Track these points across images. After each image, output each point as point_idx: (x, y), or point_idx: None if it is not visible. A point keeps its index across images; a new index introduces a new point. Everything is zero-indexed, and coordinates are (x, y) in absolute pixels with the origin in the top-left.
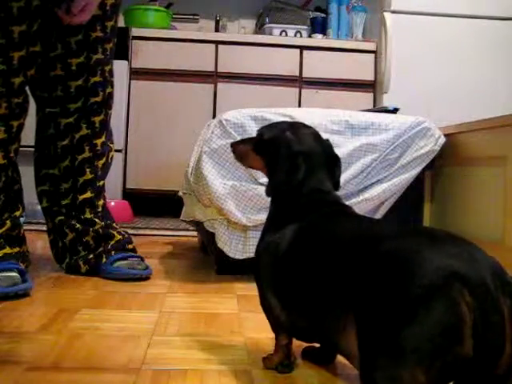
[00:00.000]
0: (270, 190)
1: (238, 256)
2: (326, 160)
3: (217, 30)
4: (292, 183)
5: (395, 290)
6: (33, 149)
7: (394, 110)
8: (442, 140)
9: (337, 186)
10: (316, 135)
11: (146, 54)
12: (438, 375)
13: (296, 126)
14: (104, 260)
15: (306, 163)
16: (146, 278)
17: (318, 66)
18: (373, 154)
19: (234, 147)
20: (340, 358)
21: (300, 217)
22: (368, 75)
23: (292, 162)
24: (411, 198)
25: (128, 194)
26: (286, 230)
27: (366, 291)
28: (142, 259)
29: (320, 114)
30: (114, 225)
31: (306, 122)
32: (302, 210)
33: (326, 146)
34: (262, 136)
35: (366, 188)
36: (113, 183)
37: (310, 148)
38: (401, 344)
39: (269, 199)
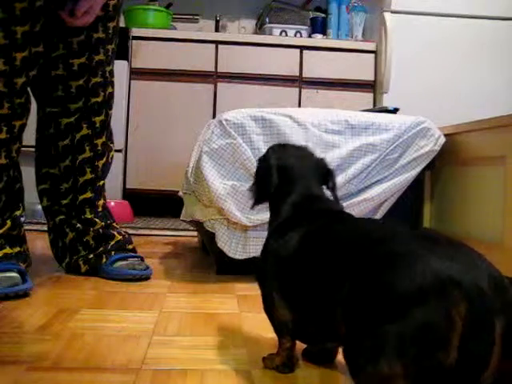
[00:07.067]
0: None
1: (238, 256)
2: (316, 172)
3: (217, 29)
4: (264, 193)
5: (388, 287)
6: (33, 149)
7: (394, 110)
8: (442, 140)
9: (334, 191)
10: (303, 152)
11: (145, 54)
12: (418, 376)
13: (283, 146)
14: (104, 260)
15: (283, 174)
16: (146, 278)
17: (318, 66)
18: (373, 154)
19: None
20: (340, 358)
21: (304, 222)
22: (368, 75)
23: (265, 173)
24: (411, 197)
25: (128, 194)
26: (292, 235)
27: (361, 287)
28: (142, 259)
29: (320, 114)
30: (115, 225)
31: (306, 122)
32: (303, 215)
33: (317, 161)
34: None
35: (366, 188)
36: (113, 183)
37: (290, 161)
38: (384, 335)
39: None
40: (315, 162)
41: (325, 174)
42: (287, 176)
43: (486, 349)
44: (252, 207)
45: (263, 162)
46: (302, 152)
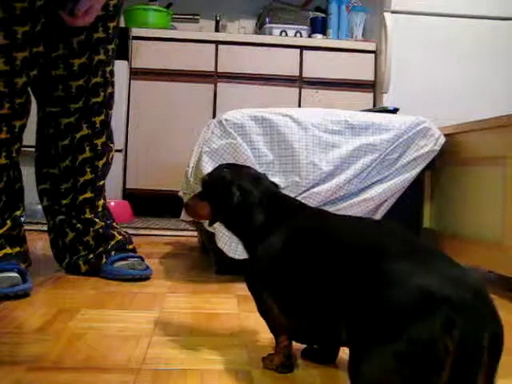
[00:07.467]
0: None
1: (238, 256)
2: (268, 182)
3: (217, 30)
4: (226, 209)
5: (382, 306)
6: (33, 149)
7: (394, 110)
8: (442, 140)
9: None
10: (249, 169)
11: (145, 54)
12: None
13: (233, 165)
14: (104, 260)
15: (241, 188)
16: (146, 278)
17: (318, 66)
18: (373, 154)
19: (186, 206)
20: (341, 357)
21: (283, 222)
22: (368, 75)
23: (225, 189)
24: (411, 198)
25: (128, 194)
26: (275, 237)
27: (357, 302)
28: (142, 259)
29: (320, 114)
30: (115, 225)
31: (306, 122)
32: (280, 216)
33: (264, 175)
34: (204, 183)
35: (366, 188)
36: (113, 183)
37: (243, 176)
38: (379, 355)
39: None
40: (264, 176)
41: (274, 184)
42: (245, 188)
43: (476, 370)
44: (211, 224)
45: (218, 179)
46: (248, 169)
